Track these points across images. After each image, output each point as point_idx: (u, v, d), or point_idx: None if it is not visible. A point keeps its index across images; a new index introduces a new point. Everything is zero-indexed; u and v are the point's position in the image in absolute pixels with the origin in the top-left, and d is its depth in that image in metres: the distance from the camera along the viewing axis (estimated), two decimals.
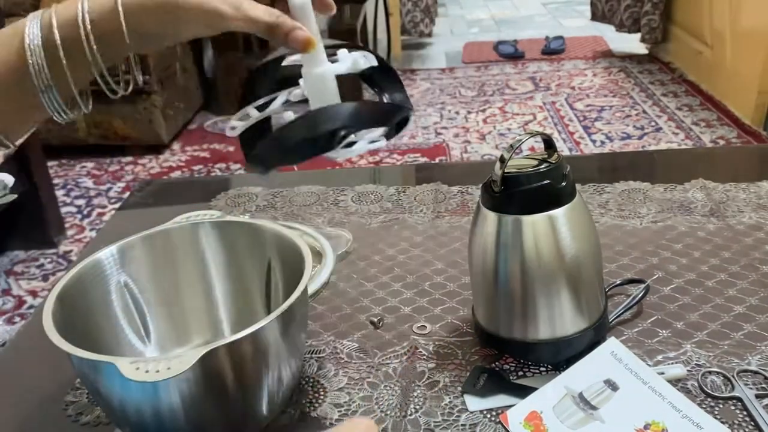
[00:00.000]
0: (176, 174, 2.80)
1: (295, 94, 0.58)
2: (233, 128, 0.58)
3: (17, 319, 1.92)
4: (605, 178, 1.02)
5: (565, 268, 0.63)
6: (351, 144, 0.56)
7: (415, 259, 0.86)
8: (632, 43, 3.72)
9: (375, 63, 0.59)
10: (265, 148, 0.57)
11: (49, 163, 2.45)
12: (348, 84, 0.59)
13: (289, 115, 0.58)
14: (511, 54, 3.86)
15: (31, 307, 1.97)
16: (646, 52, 3.69)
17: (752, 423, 0.58)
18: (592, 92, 3.23)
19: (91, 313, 0.63)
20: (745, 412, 0.59)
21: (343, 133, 0.55)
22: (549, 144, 0.65)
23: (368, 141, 0.58)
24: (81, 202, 2.59)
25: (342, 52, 0.58)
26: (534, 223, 0.62)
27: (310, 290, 0.79)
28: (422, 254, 0.87)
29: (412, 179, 1.15)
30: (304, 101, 0.57)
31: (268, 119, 0.59)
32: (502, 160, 0.62)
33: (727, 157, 1.24)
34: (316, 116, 0.55)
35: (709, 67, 3.02)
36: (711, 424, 0.58)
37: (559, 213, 0.63)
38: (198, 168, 2.84)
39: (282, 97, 0.59)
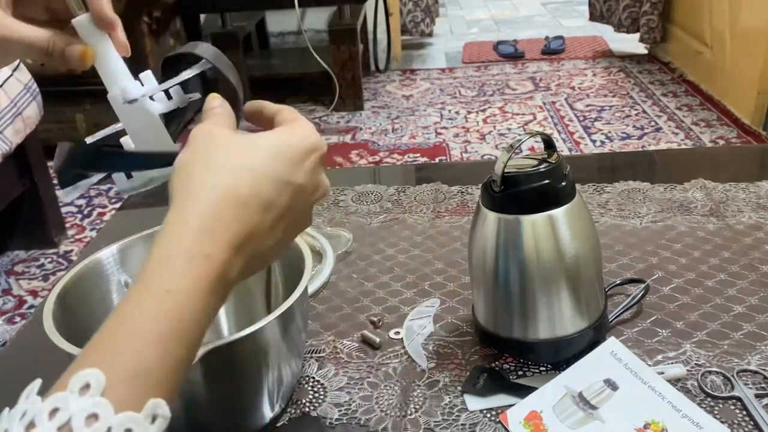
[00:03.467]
0: None
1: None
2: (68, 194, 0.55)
3: (17, 318, 1.92)
4: (605, 178, 1.02)
5: (565, 267, 0.63)
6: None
7: (415, 259, 0.86)
8: (632, 43, 3.71)
9: (194, 96, 0.54)
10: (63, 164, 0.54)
11: (49, 163, 2.45)
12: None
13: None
14: (511, 54, 3.85)
15: (31, 306, 1.97)
16: (645, 52, 3.69)
17: (752, 423, 0.58)
18: (591, 92, 3.23)
19: (91, 313, 0.63)
20: (744, 412, 0.59)
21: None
22: (549, 144, 0.65)
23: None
24: (81, 201, 2.59)
25: (146, 75, 0.54)
26: (534, 223, 0.62)
27: (310, 290, 0.79)
28: (422, 254, 0.87)
29: (412, 179, 1.15)
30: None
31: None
32: (502, 160, 0.62)
33: (727, 157, 1.24)
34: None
35: (709, 67, 3.02)
36: (711, 424, 0.58)
37: (559, 213, 0.63)
38: None
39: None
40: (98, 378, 0.35)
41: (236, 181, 0.45)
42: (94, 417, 0.34)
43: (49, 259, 2.20)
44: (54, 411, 0.34)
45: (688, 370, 0.64)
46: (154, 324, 0.39)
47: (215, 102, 0.52)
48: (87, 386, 0.35)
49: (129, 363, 0.37)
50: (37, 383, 0.37)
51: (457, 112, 3.12)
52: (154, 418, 0.36)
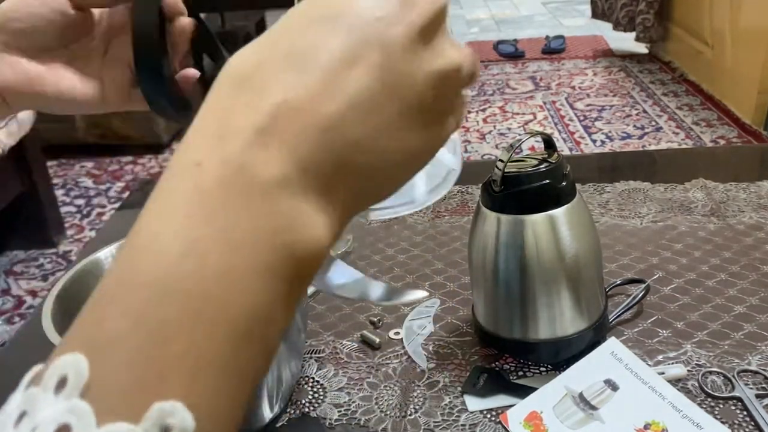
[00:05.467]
0: None
1: None
2: None
3: (17, 319, 1.92)
4: (605, 178, 1.02)
5: (565, 268, 0.63)
6: None
7: (415, 259, 0.86)
8: (632, 43, 3.71)
9: None
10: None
11: (49, 163, 2.45)
12: None
13: None
14: (511, 53, 3.85)
15: (30, 307, 1.96)
16: (646, 51, 3.69)
17: (752, 423, 0.58)
18: (592, 92, 3.23)
19: None
20: (745, 412, 0.59)
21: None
22: (549, 143, 0.65)
23: None
24: (80, 201, 2.59)
25: None
26: (534, 223, 0.62)
27: (310, 290, 0.79)
28: (422, 254, 0.87)
29: None
30: None
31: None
32: (502, 159, 0.61)
33: (728, 157, 1.23)
34: None
35: (710, 67, 3.01)
36: (711, 424, 0.57)
37: (559, 213, 0.62)
38: None
39: None
40: (79, 369, 0.23)
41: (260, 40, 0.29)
42: (65, 429, 0.22)
43: (49, 259, 2.20)
44: (21, 416, 0.23)
45: (688, 371, 0.64)
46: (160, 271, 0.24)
47: None
48: (64, 381, 0.23)
49: (125, 344, 0.23)
50: (33, 371, 0.26)
51: None
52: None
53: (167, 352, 0.23)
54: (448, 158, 0.45)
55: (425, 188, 0.50)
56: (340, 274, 0.44)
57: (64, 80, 0.51)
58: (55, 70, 0.51)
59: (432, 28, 0.29)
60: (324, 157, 0.27)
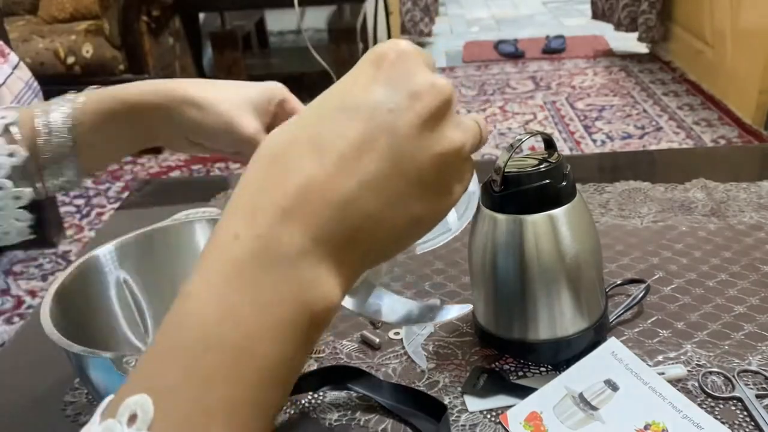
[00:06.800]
0: (175, 173, 2.80)
1: None
2: None
3: (16, 319, 1.92)
4: (606, 178, 1.02)
5: (565, 268, 0.63)
6: None
7: (415, 259, 0.86)
8: (633, 43, 3.71)
9: None
10: None
11: None
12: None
13: None
14: (512, 53, 3.85)
15: (29, 307, 1.96)
16: (646, 51, 3.69)
17: (752, 423, 0.58)
18: (592, 91, 3.23)
19: (89, 310, 0.63)
20: (745, 413, 0.59)
21: None
22: (549, 143, 0.65)
23: None
24: (80, 201, 2.59)
25: None
26: (534, 223, 0.62)
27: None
28: (422, 254, 0.87)
29: None
30: None
31: None
32: (503, 159, 0.61)
33: (728, 157, 1.23)
34: None
35: (710, 67, 3.01)
36: (711, 425, 0.57)
37: (559, 213, 0.62)
38: (197, 167, 2.84)
39: None
40: (145, 408, 0.29)
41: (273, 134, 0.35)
42: None
43: (48, 259, 2.20)
44: None
45: (688, 371, 0.64)
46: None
47: None
48: (134, 417, 0.29)
49: (183, 397, 0.30)
50: (103, 405, 0.31)
51: (457, 112, 3.11)
52: None
53: (211, 396, 0.30)
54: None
55: (455, 215, 0.54)
56: (378, 298, 0.47)
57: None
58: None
59: (436, 117, 0.34)
60: (338, 229, 0.32)
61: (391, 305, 0.48)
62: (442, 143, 0.34)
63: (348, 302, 0.49)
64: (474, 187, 0.58)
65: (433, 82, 0.34)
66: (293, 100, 0.67)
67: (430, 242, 0.56)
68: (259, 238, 0.31)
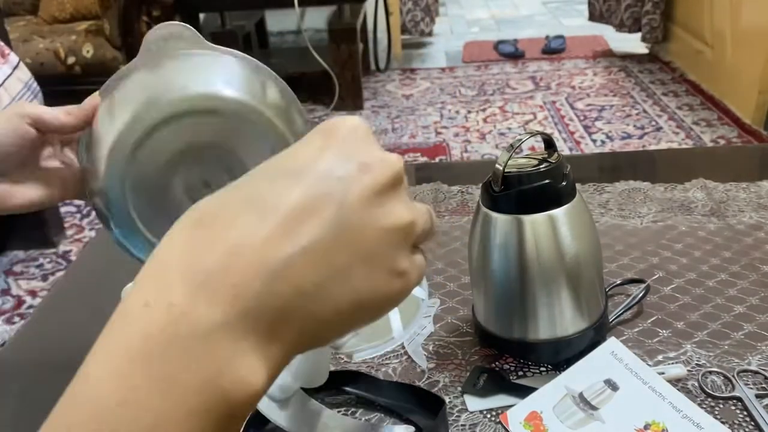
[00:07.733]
0: None
1: None
2: None
3: (16, 319, 1.92)
4: (605, 178, 1.02)
5: (565, 267, 0.63)
6: None
7: None
8: (633, 43, 3.71)
9: None
10: None
11: None
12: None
13: None
14: (512, 53, 3.85)
15: (30, 307, 1.96)
16: (646, 51, 3.69)
17: (752, 423, 0.58)
18: (592, 92, 3.23)
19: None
20: (745, 412, 0.59)
21: None
22: (549, 143, 0.65)
23: None
24: (80, 201, 2.59)
25: None
26: (534, 223, 0.62)
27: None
28: None
29: (412, 179, 1.15)
30: None
31: None
32: (502, 159, 0.61)
33: (728, 157, 1.23)
34: None
35: (710, 67, 3.01)
36: (711, 424, 0.57)
37: (559, 213, 0.62)
38: None
39: None
40: None
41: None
42: None
43: (48, 259, 2.20)
44: None
45: (688, 371, 0.64)
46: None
47: None
48: None
49: None
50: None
51: (457, 112, 3.11)
52: None
53: None
54: (416, 290, 0.45)
55: (400, 324, 0.51)
56: (313, 415, 0.45)
57: (30, 191, 0.58)
58: (21, 184, 0.57)
59: (386, 190, 0.31)
60: (269, 302, 0.28)
61: (326, 423, 0.45)
62: (389, 218, 0.31)
63: (278, 416, 0.46)
64: (423, 294, 0.55)
65: (383, 156, 0.32)
66: (43, 111, 0.57)
67: (370, 349, 0.53)
68: (172, 308, 0.27)
